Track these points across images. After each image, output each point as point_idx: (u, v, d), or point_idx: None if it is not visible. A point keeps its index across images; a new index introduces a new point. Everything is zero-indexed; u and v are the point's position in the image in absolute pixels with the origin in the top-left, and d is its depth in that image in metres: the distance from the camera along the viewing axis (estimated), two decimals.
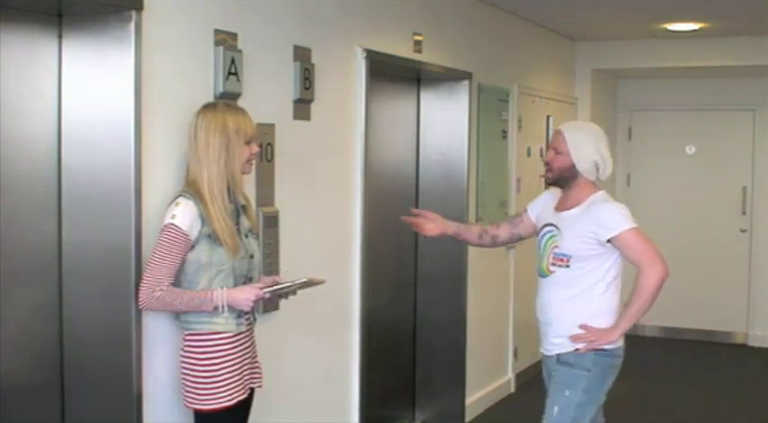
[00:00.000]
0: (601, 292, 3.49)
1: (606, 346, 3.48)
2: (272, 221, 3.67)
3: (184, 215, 2.87)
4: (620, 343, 3.57)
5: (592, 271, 3.45)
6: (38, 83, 2.94)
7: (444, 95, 5.37)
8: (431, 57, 5.01)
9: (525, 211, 3.84)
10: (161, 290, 2.84)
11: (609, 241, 3.41)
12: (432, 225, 3.79)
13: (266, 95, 3.66)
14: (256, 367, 3.16)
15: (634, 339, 8.29)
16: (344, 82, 4.26)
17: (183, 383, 2.98)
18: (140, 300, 2.86)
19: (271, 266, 3.57)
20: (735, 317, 8.18)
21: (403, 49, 4.75)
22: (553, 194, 3.71)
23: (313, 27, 3.97)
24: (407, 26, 4.82)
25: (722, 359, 7.69)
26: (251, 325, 3.11)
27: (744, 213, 8.16)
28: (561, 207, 3.57)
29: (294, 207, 3.83)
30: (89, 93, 2.95)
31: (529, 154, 6.59)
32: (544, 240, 3.59)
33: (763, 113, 8.05)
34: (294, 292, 3.17)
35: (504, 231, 3.86)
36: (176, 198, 2.92)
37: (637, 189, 8.46)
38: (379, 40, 4.49)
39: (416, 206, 5.26)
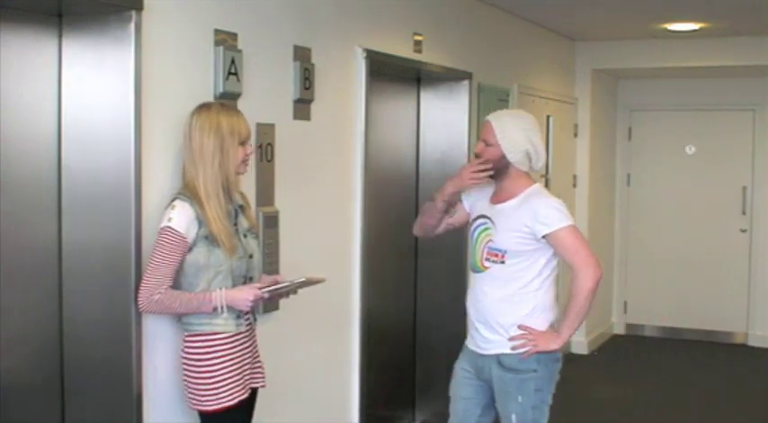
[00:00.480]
0: (536, 289, 3.37)
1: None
2: (272, 221, 3.67)
3: (180, 218, 2.87)
4: None
5: (528, 267, 3.35)
6: (38, 83, 2.94)
7: (444, 95, 5.37)
8: (431, 57, 5.01)
9: (460, 200, 3.68)
10: (160, 293, 2.85)
11: (544, 237, 3.31)
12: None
13: (266, 95, 3.66)
14: (258, 367, 3.16)
15: (634, 339, 8.35)
16: (344, 82, 4.26)
17: (185, 385, 2.98)
18: (140, 303, 2.87)
19: (271, 266, 3.57)
20: (735, 317, 8.18)
21: (403, 49, 4.75)
22: (490, 185, 3.57)
23: (313, 27, 3.97)
24: (407, 26, 4.82)
25: (722, 359, 7.68)
26: (251, 325, 3.11)
27: (744, 213, 8.16)
28: (496, 199, 3.46)
29: (294, 207, 3.83)
30: (89, 93, 2.95)
31: None
32: (477, 233, 3.47)
33: (763, 113, 8.04)
34: (294, 291, 3.16)
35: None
36: (172, 201, 2.92)
37: (637, 189, 8.45)
38: (379, 40, 4.49)
39: (416, 205, 5.27)
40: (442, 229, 3.73)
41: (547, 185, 6.94)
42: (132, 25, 2.87)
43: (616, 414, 6.06)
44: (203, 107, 3.01)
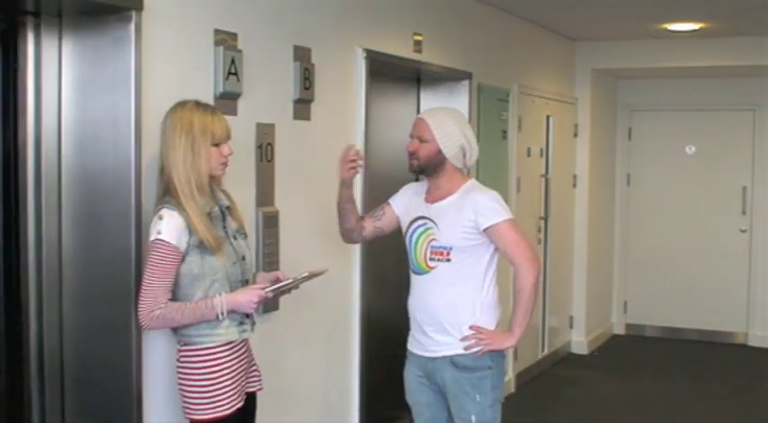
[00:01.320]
0: (482, 287, 3.37)
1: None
2: (272, 221, 3.67)
3: (170, 228, 2.76)
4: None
5: (473, 263, 3.35)
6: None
7: (444, 95, 5.37)
8: (431, 57, 5.01)
9: (388, 203, 3.65)
10: (159, 308, 2.75)
11: (485, 230, 3.32)
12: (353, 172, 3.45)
13: (266, 95, 3.66)
14: (254, 372, 3.09)
15: (634, 339, 8.35)
16: (344, 82, 4.26)
17: (181, 395, 2.91)
18: (141, 322, 2.78)
19: (271, 266, 3.57)
20: (735, 317, 8.18)
21: (403, 49, 4.75)
22: (418, 187, 3.57)
23: (313, 27, 3.97)
24: (407, 26, 4.82)
25: (722, 359, 7.69)
26: (245, 331, 2.99)
27: (744, 213, 8.16)
28: (432, 198, 3.45)
29: (294, 207, 3.83)
30: (89, 93, 2.95)
31: (529, 154, 6.59)
32: (416, 235, 3.47)
33: (763, 113, 8.05)
34: (297, 286, 3.10)
35: (368, 225, 3.63)
36: (159, 211, 2.80)
37: (637, 189, 8.45)
38: (379, 40, 4.49)
39: None
40: (369, 232, 3.66)
41: (547, 185, 6.95)
42: (132, 25, 2.87)
43: (616, 414, 6.05)
44: (178, 106, 2.89)
